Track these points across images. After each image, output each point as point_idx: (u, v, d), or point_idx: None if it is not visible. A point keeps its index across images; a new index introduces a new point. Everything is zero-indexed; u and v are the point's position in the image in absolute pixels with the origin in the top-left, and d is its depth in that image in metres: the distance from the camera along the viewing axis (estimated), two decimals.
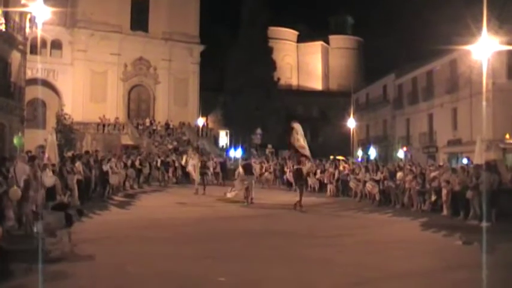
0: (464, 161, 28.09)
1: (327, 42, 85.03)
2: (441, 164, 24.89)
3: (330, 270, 9.62)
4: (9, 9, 29.91)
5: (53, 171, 15.73)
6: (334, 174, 26.18)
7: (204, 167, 27.60)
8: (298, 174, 21.81)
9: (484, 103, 28.11)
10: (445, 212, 17.81)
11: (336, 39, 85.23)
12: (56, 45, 49.10)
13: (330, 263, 10.13)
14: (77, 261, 9.80)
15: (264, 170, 33.51)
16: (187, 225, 15.36)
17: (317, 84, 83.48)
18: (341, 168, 26.70)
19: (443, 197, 17.90)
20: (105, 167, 22.32)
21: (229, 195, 22.29)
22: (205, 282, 8.67)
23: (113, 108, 50.46)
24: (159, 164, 32.22)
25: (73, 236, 12.40)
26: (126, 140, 46.89)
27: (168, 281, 8.76)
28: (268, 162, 36.75)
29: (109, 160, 24.23)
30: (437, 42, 34.91)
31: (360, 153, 50.85)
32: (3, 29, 29.77)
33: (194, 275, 9.02)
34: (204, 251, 10.81)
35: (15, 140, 27.03)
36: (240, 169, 22.76)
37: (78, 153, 24.28)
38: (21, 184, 12.69)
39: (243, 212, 18.57)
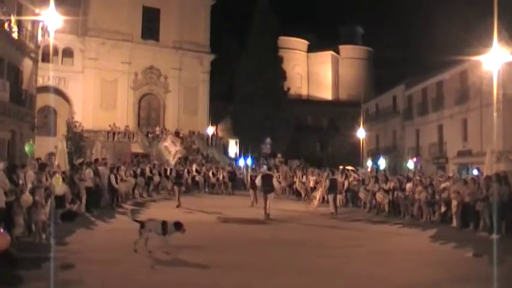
0: (475, 172, 27.92)
1: (337, 52, 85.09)
2: (451, 175, 24.72)
3: (337, 281, 9.57)
4: (22, 18, 30.18)
5: (63, 179, 15.81)
6: (343, 184, 26.08)
7: (178, 177, 24.66)
8: (333, 185, 22.40)
9: (494, 114, 27.92)
10: (454, 223, 17.68)
11: (346, 49, 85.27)
12: (68, 53, 49.45)
13: (338, 274, 10.09)
14: (86, 269, 9.81)
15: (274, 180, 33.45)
16: (195, 233, 15.34)
17: (327, 94, 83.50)
18: (351, 178, 26.60)
19: (453, 209, 17.76)
20: (112, 176, 22.28)
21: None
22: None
23: (123, 117, 50.64)
24: (168, 173, 32.23)
25: (81, 244, 12.49)
26: (136, 148, 47.03)
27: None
28: (277, 171, 36.70)
29: (118, 168, 24.27)
30: (448, 53, 34.87)
31: (369, 163, 50.69)
32: (16, 37, 30.04)
33: (203, 284, 9.01)
34: (213, 260, 10.79)
35: (27, 148, 27.16)
36: (258, 179, 21.92)
37: (88, 161, 24.29)
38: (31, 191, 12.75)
39: (252, 221, 18.53)
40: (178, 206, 22.51)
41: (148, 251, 11.15)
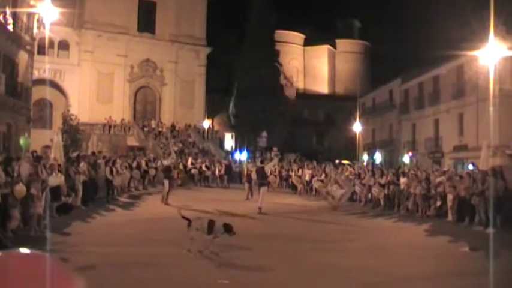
0: (470, 166, 27.98)
1: (334, 46, 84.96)
2: (446, 169, 24.77)
3: (333, 275, 9.57)
4: (17, 10, 30.04)
5: (59, 171, 15.77)
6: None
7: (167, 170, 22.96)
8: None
9: (490, 109, 27.98)
10: (450, 217, 17.74)
11: (342, 43, 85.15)
12: (63, 45, 49.30)
13: (333, 268, 10.09)
14: (82, 262, 9.79)
15: (269, 173, 33.50)
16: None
17: (323, 88, 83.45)
18: (347, 173, 26.63)
19: (449, 203, 17.82)
20: (107, 169, 22.22)
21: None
22: (208, 285, 8.66)
23: (119, 110, 50.58)
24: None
25: (77, 237, 12.47)
26: (132, 142, 47.04)
27: (171, 283, 8.75)
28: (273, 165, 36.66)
29: (114, 161, 24.23)
30: (444, 48, 34.84)
31: (365, 157, 50.79)
32: (11, 30, 29.91)
33: (197, 278, 9.00)
34: (208, 253, 10.79)
35: (22, 141, 27.11)
36: (254, 173, 22.07)
37: (83, 154, 24.25)
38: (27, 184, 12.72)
39: (248, 215, 18.50)
40: (164, 202, 21.17)
41: (199, 251, 10.53)
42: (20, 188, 11.98)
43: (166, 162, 23.25)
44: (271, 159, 40.97)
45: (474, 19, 27.71)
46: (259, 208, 18.78)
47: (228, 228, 10.52)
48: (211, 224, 10.62)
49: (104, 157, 23.78)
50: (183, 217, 11.05)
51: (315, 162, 34.30)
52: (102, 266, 9.64)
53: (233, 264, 9.92)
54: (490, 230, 14.60)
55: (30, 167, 13.82)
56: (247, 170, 26.66)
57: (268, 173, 31.99)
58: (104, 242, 12.14)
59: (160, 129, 50.05)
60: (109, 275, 9.12)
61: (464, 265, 10.78)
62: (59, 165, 16.96)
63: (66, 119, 43.60)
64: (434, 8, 51.95)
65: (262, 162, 23.04)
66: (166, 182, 21.84)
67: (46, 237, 12.02)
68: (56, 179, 14.74)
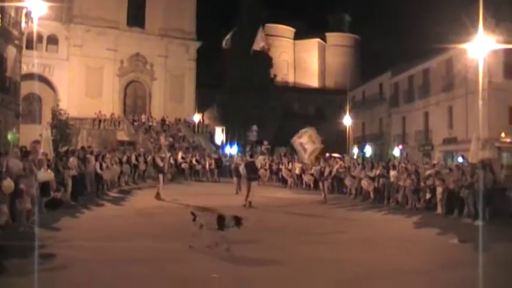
0: (460, 159, 28.12)
1: (324, 39, 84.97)
2: (436, 162, 24.87)
3: (323, 267, 9.59)
4: (5, 4, 29.82)
5: (48, 166, 15.69)
6: (331, 172, 26.09)
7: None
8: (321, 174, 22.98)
9: (480, 102, 28.12)
10: (439, 210, 17.81)
11: (332, 37, 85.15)
12: (52, 40, 49.03)
13: (323, 260, 10.11)
14: (72, 257, 9.77)
15: (259, 167, 33.53)
16: (181, 221, 15.32)
17: (313, 82, 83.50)
18: (337, 166, 26.64)
19: (438, 195, 17.89)
20: (97, 164, 22.10)
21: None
22: (197, 279, 8.65)
23: (108, 104, 50.39)
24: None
25: (66, 232, 12.42)
26: (122, 136, 46.91)
27: (161, 277, 8.74)
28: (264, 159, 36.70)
29: (104, 156, 24.11)
30: (434, 41, 34.92)
31: (355, 150, 50.87)
32: None
33: (187, 272, 9.00)
34: (199, 247, 10.78)
35: (9, 136, 26.99)
36: (242, 167, 22.00)
37: (72, 149, 24.11)
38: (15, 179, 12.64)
39: (238, 208, 18.46)
40: (158, 197, 20.98)
41: (207, 246, 10.42)
42: (8, 184, 11.91)
43: (158, 161, 22.68)
44: (262, 153, 41.19)
45: (463, 12, 27.81)
46: (249, 202, 18.68)
47: (238, 221, 10.49)
48: (221, 218, 10.51)
49: (92, 152, 23.61)
50: (191, 212, 10.93)
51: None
52: (91, 261, 9.62)
53: (223, 258, 9.91)
54: (479, 223, 14.70)
55: (19, 163, 13.73)
56: (236, 163, 26.60)
57: (259, 167, 32.11)
58: (93, 237, 12.10)
59: (150, 123, 49.92)
60: (99, 268, 9.11)
61: (453, 257, 10.82)
62: (48, 160, 16.89)
63: (55, 113, 43.38)
64: (424, 1, 52.06)
65: (251, 156, 22.92)
66: (160, 177, 21.80)
67: (35, 232, 11.97)
68: (45, 175, 14.65)
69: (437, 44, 34.22)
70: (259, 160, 23.44)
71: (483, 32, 21.22)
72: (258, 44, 25.46)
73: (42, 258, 9.37)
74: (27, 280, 8.15)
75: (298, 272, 9.23)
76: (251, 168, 20.07)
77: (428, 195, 18.80)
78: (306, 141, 26.70)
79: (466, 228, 14.51)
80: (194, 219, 10.62)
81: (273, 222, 15.53)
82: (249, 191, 19.21)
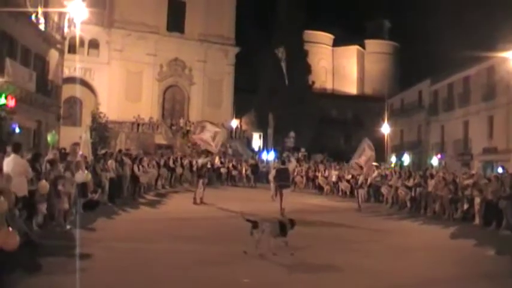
0: (500, 169, 27.60)
1: (363, 46, 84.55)
2: (474, 172, 24.45)
3: (359, 276, 9.54)
4: (49, 9, 30.51)
5: (86, 168, 15.96)
6: (366, 180, 25.88)
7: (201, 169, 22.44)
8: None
9: None
10: (477, 221, 17.50)
11: (371, 44, 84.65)
12: (94, 44, 49.82)
13: (359, 268, 10.05)
14: (107, 258, 9.92)
15: (296, 174, 33.51)
16: (215, 225, 15.43)
17: (352, 89, 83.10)
18: (374, 174, 26.39)
19: (476, 206, 17.59)
20: (135, 166, 22.36)
21: None
22: (230, 283, 8.68)
23: (147, 108, 50.89)
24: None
25: (102, 233, 12.61)
26: (160, 140, 47.34)
27: (194, 280, 8.79)
28: (300, 165, 36.68)
29: (141, 159, 24.37)
30: (475, 49, 34.40)
31: (393, 159, 50.36)
32: (43, 29, 30.40)
33: (220, 276, 9.05)
34: (231, 252, 10.83)
35: (49, 138, 27.48)
36: (272, 174, 21.52)
37: (111, 151, 24.47)
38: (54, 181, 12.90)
39: (274, 214, 18.41)
40: (196, 203, 20.92)
41: (244, 251, 10.53)
42: (44, 184, 12.15)
43: (201, 161, 22.76)
44: (297, 160, 41.04)
45: (505, 20, 27.35)
46: (283, 209, 18.12)
47: (293, 224, 10.84)
48: (283, 225, 10.72)
49: (130, 155, 23.89)
50: (247, 220, 10.84)
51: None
52: (126, 260, 9.75)
53: (255, 263, 9.93)
54: None
55: (61, 164, 14.02)
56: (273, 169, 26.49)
57: (295, 174, 31.96)
58: (128, 238, 12.24)
59: (188, 128, 50.23)
60: (133, 268, 9.22)
61: (489, 269, 10.64)
62: (87, 162, 17.19)
63: (95, 116, 44.06)
64: (464, 8, 51.29)
65: (283, 163, 22.48)
66: (200, 182, 21.66)
67: (72, 232, 12.19)
68: (83, 176, 14.90)
69: (478, 52, 33.70)
70: (292, 166, 23.15)
71: None
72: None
73: (78, 258, 9.53)
74: (62, 279, 8.30)
75: (330, 279, 9.20)
76: (283, 175, 19.63)
77: (466, 206, 18.48)
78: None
79: (504, 240, 14.26)
80: (256, 227, 10.50)
81: (306, 229, 15.45)
82: (281, 199, 18.80)
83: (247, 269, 9.49)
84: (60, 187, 12.84)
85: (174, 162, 30.71)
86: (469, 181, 19.18)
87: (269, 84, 56.07)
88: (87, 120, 44.93)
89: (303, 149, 52.86)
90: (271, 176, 21.53)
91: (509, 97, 34.25)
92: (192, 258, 10.17)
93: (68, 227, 12.86)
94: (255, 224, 10.54)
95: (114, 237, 12.30)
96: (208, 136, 22.30)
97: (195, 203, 20.87)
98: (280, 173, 19.91)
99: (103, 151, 25.33)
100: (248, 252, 10.42)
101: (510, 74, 31.50)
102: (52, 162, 13.74)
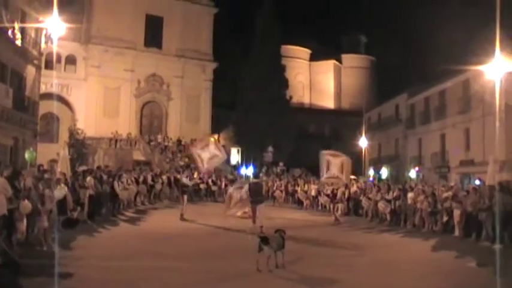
0: (477, 181, 27.86)
1: (340, 61, 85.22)
2: (453, 184, 24.68)
3: None
4: (26, 25, 30.28)
5: (66, 185, 15.80)
6: (345, 193, 25.97)
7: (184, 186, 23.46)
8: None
9: (497, 123, 27.90)
10: (456, 233, 17.63)
11: (348, 58, 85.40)
12: (71, 60, 49.45)
13: (340, 283, 10.05)
14: (89, 277, 9.80)
15: (275, 188, 33.53)
16: (197, 241, 15.35)
17: (329, 103, 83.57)
18: (354, 188, 26.54)
19: (456, 218, 17.71)
20: (115, 183, 22.21)
21: (238, 213, 21.03)
22: None
23: (125, 124, 50.59)
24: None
25: (83, 251, 12.46)
26: (138, 156, 47.02)
27: None
28: (279, 180, 36.70)
29: (120, 176, 24.19)
30: (451, 62, 34.82)
31: (371, 172, 50.62)
32: (19, 44, 30.13)
33: None
34: (213, 268, 10.77)
35: (27, 155, 27.21)
36: (245, 189, 20.29)
37: (89, 168, 24.27)
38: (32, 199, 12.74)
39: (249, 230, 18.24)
40: (184, 219, 20.93)
41: (257, 269, 10.48)
42: (26, 205, 12.01)
43: (185, 180, 23.39)
44: (276, 174, 41.03)
45: (480, 33, 27.75)
46: (261, 227, 16.61)
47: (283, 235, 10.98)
48: (282, 237, 10.83)
49: (109, 171, 23.73)
50: (259, 236, 10.85)
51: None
52: (108, 278, 9.64)
53: (235, 278, 9.88)
54: (498, 246, 14.50)
55: (36, 182, 13.85)
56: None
57: (275, 188, 31.96)
58: (109, 256, 12.12)
59: (166, 143, 50.05)
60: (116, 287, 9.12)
61: (470, 281, 10.72)
62: (66, 179, 17.01)
63: (72, 133, 43.72)
64: (440, 22, 51.98)
65: (256, 176, 22.15)
66: (185, 197, 22.18)
67: (52, 251, 12.02)
68: (60, 192, 14.74)
69: (454, 65, 34.09)
70: (265, 181, 22.81)
71: (500, 53, 21.14)
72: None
73: (59, 277, 9.40)
74: None
75: None
76: (255, 190, 18.67)
77: (445, 218, 18.62)
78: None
79: (484, 251, 14.35)
80: (267, 243, 10.44)
81: (287, 244, 15.41)
82: (254, 216, 18.02)
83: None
84: (39, 205, 12.69)
85: (153, 179, 30.52)
86: (448, 193, 19.34)
87: (247, 99, 56.07)
88: (64, 136, 44.46)
89: (281, 164, 52.87)
90: (243, 192, 20.65)
91: (484, 110, 34.66)
92: (179, 277, 10.09)
93: (48, 246, 12.69)
94: (266, 240, 10.46)
95: (95, 255, 12.16)
96: (206, 156, 22.49)
97: (182, 219, 20.87)
98: (252, 188, 18.94)
99: (81, 168, 25.11)
100: (250, 268, 10.49)
101: (485, 87, 31.92)
102: (37, 180, 13.62)
